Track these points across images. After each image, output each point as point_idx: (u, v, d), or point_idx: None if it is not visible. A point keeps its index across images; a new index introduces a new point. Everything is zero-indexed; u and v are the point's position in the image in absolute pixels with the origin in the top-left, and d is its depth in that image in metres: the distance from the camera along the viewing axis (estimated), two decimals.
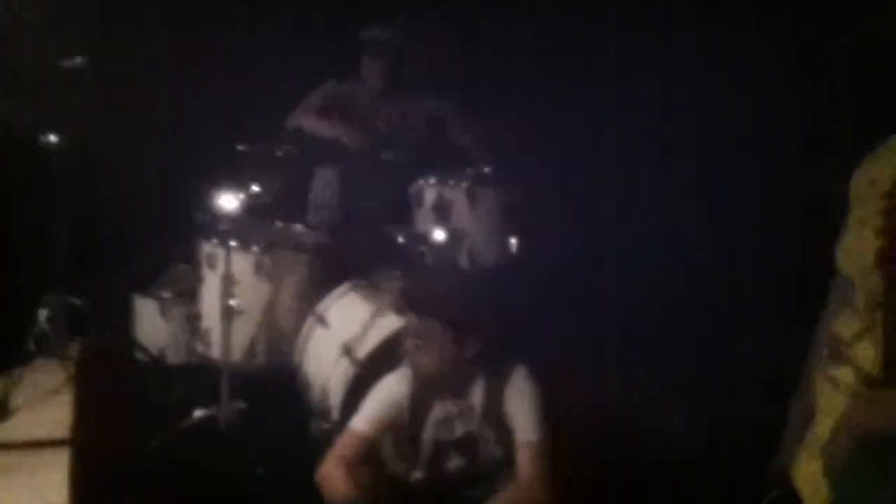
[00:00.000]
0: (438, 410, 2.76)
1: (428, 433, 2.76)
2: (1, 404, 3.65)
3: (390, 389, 2.78)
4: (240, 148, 3.68)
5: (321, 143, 4.28)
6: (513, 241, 3.78)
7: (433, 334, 2.67)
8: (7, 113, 3.67)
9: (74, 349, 4.18)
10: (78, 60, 3.62)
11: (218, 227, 3.65)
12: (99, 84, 3.74)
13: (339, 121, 4.15)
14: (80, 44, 3.76)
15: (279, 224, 4.08)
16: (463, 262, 3.71)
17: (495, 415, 2.70)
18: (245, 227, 3.71)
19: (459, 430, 2.75)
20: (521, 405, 2.67)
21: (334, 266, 3.91)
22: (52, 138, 3.70)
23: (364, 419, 2.72)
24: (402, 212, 4.06)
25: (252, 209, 3.69)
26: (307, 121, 4.21)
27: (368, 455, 2.71)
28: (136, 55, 4.57)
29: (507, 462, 2.70)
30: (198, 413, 3.56)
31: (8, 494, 3.14)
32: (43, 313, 3.94)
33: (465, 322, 2.68)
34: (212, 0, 4.77)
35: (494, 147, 4.16)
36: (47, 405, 3.77)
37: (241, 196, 3.56)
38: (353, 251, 4.13)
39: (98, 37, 4.25)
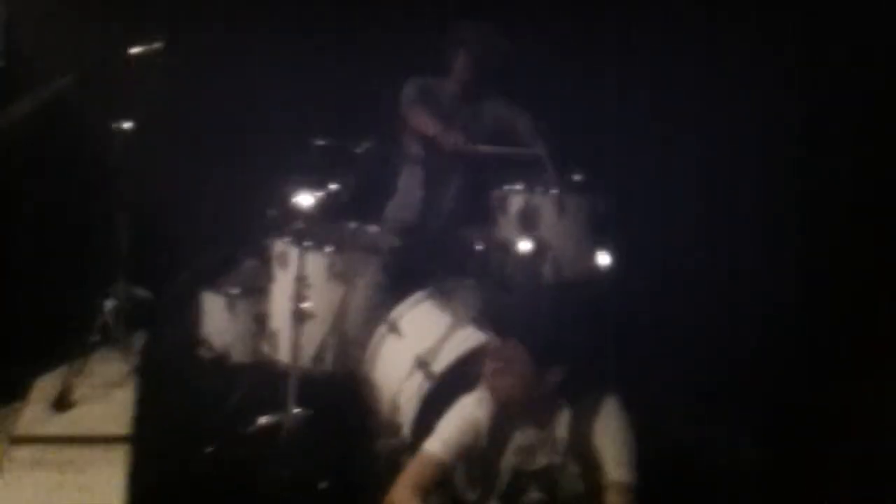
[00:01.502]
0: (519, 438, 2.59)
1: (506, 462, 2.59)
2: (63, 395, 3.57)
3: (468, 412, 2.62)
4: (318, 143, 3.53)
5: (412, 141, 4.14)
6: (602, 254, 3.55)
7: (516, 357, 2.49)
8: (80, 99, 3.61)
9: (138, 341, 4.11)
10: (153, 46, 3.53)
11: (291, 224, 3.51)
12: (174, 72, 3.64)
13: (428, 117, 3.99)
14: (155, 29, 3.65)
15: (353, 224, 3.96)
16: (547, 274, 3.49)
17: (582, 448, 2.51)
18: (319, 226, 3.58)
19: (541, 460, 2.58)
20: (612, 441, 2.48)
21: (409, 270, 3.77)
22: (125, 126, 3.61)
23: (439, 442, 2.56)
24: (482, 217, 3.87)
25: (327, 208, 3.55)
26: (411, 115, 4.06)
27: (441, 481, 2.54)
28: (212, 43, 4.47)
29: (590, 499, 2.51)
30: (261, 419, 3.42)
31: (62, 490, 3.05)
32: (108, 304, 3.86)
33: (550, 345, 2.49)
34: None
35: (572, 156, 3.96)
36: (108, 398, 3.69)
37: (317, 194, 3.41)
38: (430, 255, 3.98)
39: (173, 23, 4.15)
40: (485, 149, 3.90)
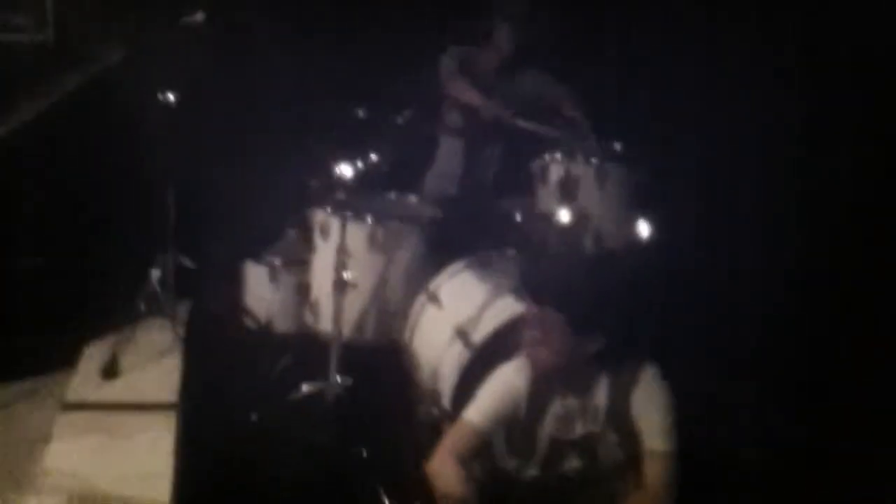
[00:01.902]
0: (558, 407, 2.59)
1: (545, 430, 2.59)
2: (111, 363, 3.64)
3: (507, 380, 2.62)
4: (359, 113, 3.54)
5: (452, 112, 4.13)
6: (642, 224, 3.52)
7: (555, 325, 2.48)
8: (125, 70, 3.64)
9: (184, 310, 4.16)
10: (197, 17, 3.55)
11: (333, 195, 3.53)
12: (217, 44, 3.66)
13: (469, 88, 3.97)
14: (197, 2, 3.67)
15: (393, 195, 3.97)
16: (588, 244, 3.48)
17: (621, 417, 2.50)
18: (359, 196, 3.59)
19: (580, 429, 2.57)
20: (651, 410, 2.48)
21: (448, 240, 3.78)
22: (171, 96, 3.65)
23: (478, 411, 2.57)
24: (522, 187, 3.87)
25: (367, 178, 3.56)
26: (452, 86, 4.05)
27: (481, 449, 2.56)
28: (254, 15, 4.48)
29: (629, 468, 2.51)
30: (304, 387, 3.47)
31: (111, 456, 3.11)
32: (155, 273, 3.92)
33: (590, 314, 2.49)
34: None
35: (611, 126, 3.93)
36: (155, 366, 3.75)
37: (358, 164, 3.42)
38: (469, 225, 3.97)
39: None
40: (524, 123, 3.88)
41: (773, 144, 4.53)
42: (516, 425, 2.61)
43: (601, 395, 2.55)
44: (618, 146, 3.71)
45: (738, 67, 4.57)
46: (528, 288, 2.67)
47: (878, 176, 4.29)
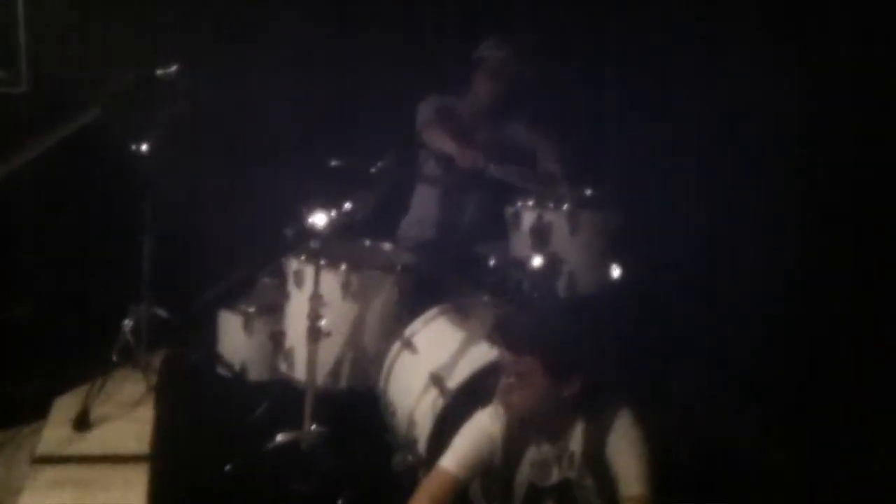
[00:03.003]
0: (533, 453, 2.60)
1: (521, 476, 2.61)
2: (82, 415, 3.59)
3: (482, 427, 2.63)
4: (332, 163, 3.56)
5: (428, 159, 4.17)
6: (614, 269, 3.56)
7: (529, 371, 2.50)
8: (99, 120, 3.65)
9: (157, 360, 4.13)
10: (171, 69, 3.57)
11: (306, 243, 3.54)
12: (190, 94, 3.68)
13: (446, 136, 4.02)
14: (172, 53, 3.70)
15: (367, 242, 3.98)
16: (561, 289, 3.51)
17: (597, 462, 2.51)
18: (333, 244, 3.60)
19: (556, 475, 2.59)
20: (626, 454, 2.49)
21: (423, 287, 3.79)
22: (143, 147, 3.65)
23: (454, 458, 2.58)
24: (497, 234, 3.90)
25: (341, 226, 3.57)
26: (430, 134, 4.10)
27: (458, 496, 2.56)
28: (229, 65, 4.52)
29: None
30: (279, 436, 3.44)
31: None
32: (128, 323, 3.89)
33: (565, 360, 2.51)
34: (308, 14, 4.67)
35: (585, 174, 3.98)
36: (128, 417, 3.70)
37: (332, 213, 3.44)
38: (444, 271, 3.99)
39: (190, 46, 4.21)
40: (501, 170, 3.91)
41: (748, 188, 4.60)
42: (493, 472, 2.62)
43: (577, 440, 2.56)
44: (589, 192, 3.75)
45: (713, 113, 4.65)
46: (501, 334, 2.68)
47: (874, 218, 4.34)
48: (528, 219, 3.62)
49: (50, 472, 3.27)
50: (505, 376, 2.56)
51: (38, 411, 3.70)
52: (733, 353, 4.23)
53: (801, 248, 4.47)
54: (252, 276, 4.21)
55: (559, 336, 2.58)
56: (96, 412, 3.63)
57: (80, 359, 3.91)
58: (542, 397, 2.52)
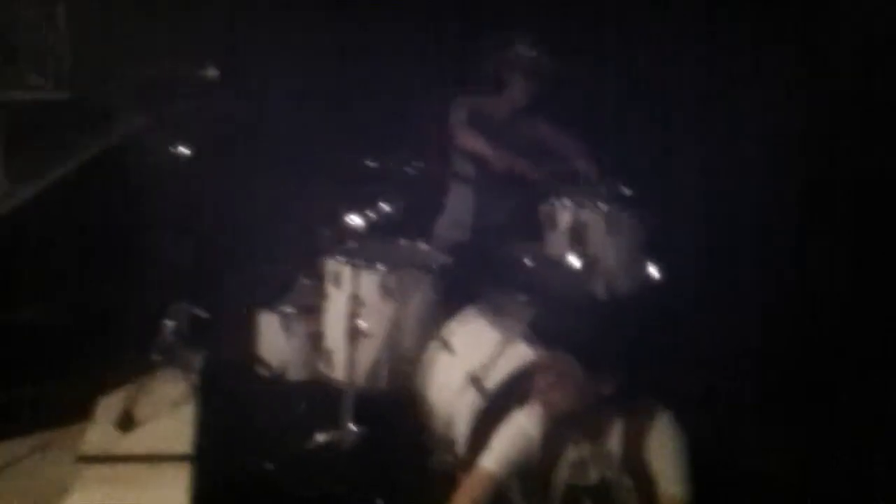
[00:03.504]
0: (572, 452, 2.60)
1: (560, 476, 2.60)
2: (126, 415, 3.64)
3: (521, 427, 2.63)
4: (369, 164, 3.59)
5: (462, 160, 4.18)
6: (651, 268, 3.55)
7: (566, 370, 2.50)
8: (140, 123, 3.71)
9: (198, 360, 4.17)
10: (210, 73, 3.61)
11: (345, 244, 3.57)
12: (230, 96, 3.72)
13: (477, 135, 4.02)
14: (211, 55, 3.74)
15: (404, 243, 3.99)
16: (598, 289, 3.51)
17: (636, 462, 2.51)
18: (371, 245, 3.62)
19: (594, 475, 2.58)
20: (666, 455, 2.48)
21: (459, 287, 3.80)
22: (183, 149, 3.70)
23: (493, 458, 2.58)
24: (532, 233, 3.90)
25: (378, 227, 3.60)
26: (462, 137, 4.11)
27: (497, 496, 2.56)
28: (266, 68, 4.56)
29: None
30: (319, 436, 3.47)
31: None
32: (169, 324, 3.94)
33: (602, 358, 2.50)
34: (338, 12, 4.70)
35: (620, 170, 3.97)
36: (169, 417, 3.74)
37: (369, 213, 3.46)
38: (480, 271, 4.00)
39: (229, 50, 4.25)
40: (535, 171, 3.91)
41: (785, 185, 4.56)
42: (531, 472, 2.62)
43: (615, 440, 2.55)
44: (627, 191, 3.74)
45: (750, 110, 4.62)
46: (538, 333, 2.69)
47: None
48: (564, 218, 3.63)
49: (94, 471, 3.32)
50: (542, 375, 2.56)
51: (83, 411, 3.75)
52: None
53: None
54: (291, 276, 4.24)
55: (596, 334, 2.57)
56: (139, 412, 3.67)
57: (123, 359, 3.96)
58: (580, 396, 2.51)
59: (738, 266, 4.55)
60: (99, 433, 3.59)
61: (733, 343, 4.19)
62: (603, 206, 3.58)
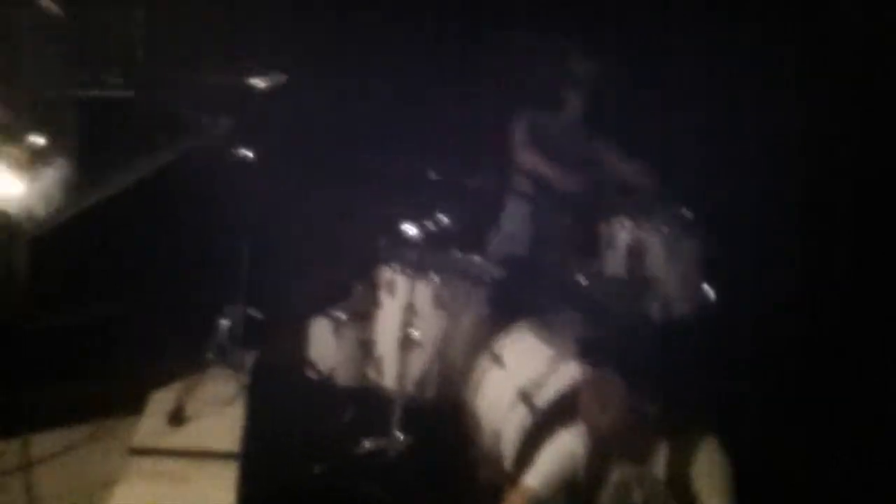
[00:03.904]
0: (616, 475, 2.58)
1: (604, 498, 2.58)
2: (177, 411, 3.70)
3: (566, 446, 2.63)
4: (430, 175, 3.60)
5: (522, 177, 4.18)
6: (709, 291, 3.51)
7: (616, 392, 2.48)
8: (205, 126, 3.77)
9: (250, 360, 4.22)
10: (276, 79, 3.66)
11: (400, 253, 3.58)
12: (294, 104, 3.77)
13: (540, 154, 4.02)
14: (275, 61, 3.79)
15: (459, 255, 4.00)
16: (654, 311, 3.47)
17: (680, 487, 2.48)
18: (426, 255, 3.63)
19: (639, 498, 2.55)
20: (712, 480, 2.45)
21: (513, 301, 3.79)
22: (246, 153, 3.75)
23: (538, 476, 2.58)
24: (589, 251, 3.88)
25: (434, 238, 3.61)
26: (527, 157, 4.12)
27: None
28: (330, 76, 4.60)
29: None
30: (367, 443, 3.48)
31: (174, 502, 3.16)
32: (224, 323, 3.99)
33: (653, 380, 2.48)
34: (404, 22, 4.73)
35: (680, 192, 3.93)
36: (220, 415, 3.79)
37: (427, 224, 3.48)
38: (533, 287, 3.99)
39: (293, 55, 4.29)
40: (595, 196, 3.89)
41: (848, 206, 4.48)
42: (576, 493, 2.60)
43: (660, 463, 2.53)
44: (688, 213, 3.70)
45: (813, 133, 4.55)
46: (591, 353, 2.67)
47: None
48: (623, 238, 3.61)
49: (144, 464, 3.38)
50: (591, 395, 2.55)
51: (136, 405, 3.81)
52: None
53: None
54: (346, 282, 4.26)
55: (646, 357, 2.55)
56: (190, 408, 3.73)
57: (177, 356, 4.02)
58: (626, 418, 2.49)
59: (805, 296, 4.48)
60: (150, 427, 3.65)
61: (787, 363, 4.12)
62: (664, 229, 3.55)
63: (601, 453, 2.58)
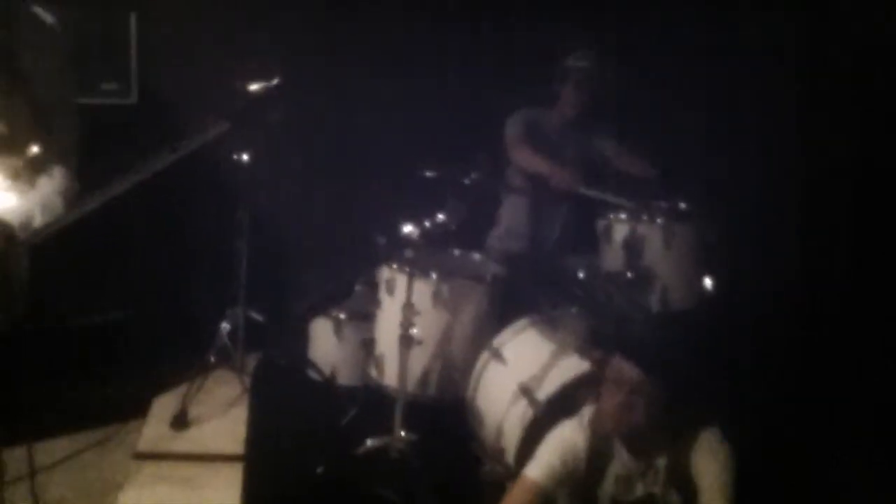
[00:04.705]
0: (617, 467, 2.58)
1: (605, 490, 2.59)
2: (180, 414, 3.70)
3: (567, 438, 2.63)
4: (427, 173, 3.61)
5: (518, 173, 4.18)
6: (708, 282, 3.51)
7: (617, 385, 2.48)
8: (203, 129, 3.77)
9: (252, 363, 4.22)
10: (272, 82, 3.66)
11: (399, 252, 3.59)
12: (290, 106, 3.77)
13: (535, 151, 4.02)
14: (273, 65, 3.80)
15: (457, 252, 4.01)
16: (653, 304, 3.48)
17: (682, 478, 2.48)
18: (425, 253, 3.64)
19: (640, 490, 2.56)
20: (713, 472, 2.46)
21: (512, 298, 3.80)
22: (244, 156, 3.76)
23: (539, 468, 2.58)
24: (587, 246, 3.88)
25: (432, 236, 3.61)
26: (521, 154, 4.12)
27: None
28: (326, 78, 4.61)
29: None
30: (369, 442, 3.49)
31: None
32: (225, 326, 4.00)
33: (653, 375, 2.48)
34: (400, 22, 4.74)
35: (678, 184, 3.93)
36: (223, 418, 3.79)
37: (425, 222, 3.48)
38: (533, 283, 3.99)
39: (289, 58, 4.30)
40: (592, 192, 3.90)
41: (846, 201, 4.49)
42: (577, 485, 2.61)
43: (662, 455, 2.53)
44: (684, 205, 3.70)
45: (812, 126, 4.56)
46: (592, 346, 2.68)
47: None
48: (620, 232, 3.61)
49: (149, 468, 3.39)
50: (593, 388, 2.56)
51: (139, 410, 3.82)
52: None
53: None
54: (346, 282, 4.27)
55: (648, 350, 2.56)
56: (194, 412, 3.74)
57: (179, 360, 4.03)
58: (629, 411, 2.49)
59: (803, 284, 4.49)
60: (154, 431, 3.66)
61: (786, 357, 4.13)
62: (660, 221, 3.55)
63: (602, 445, 2.59)
